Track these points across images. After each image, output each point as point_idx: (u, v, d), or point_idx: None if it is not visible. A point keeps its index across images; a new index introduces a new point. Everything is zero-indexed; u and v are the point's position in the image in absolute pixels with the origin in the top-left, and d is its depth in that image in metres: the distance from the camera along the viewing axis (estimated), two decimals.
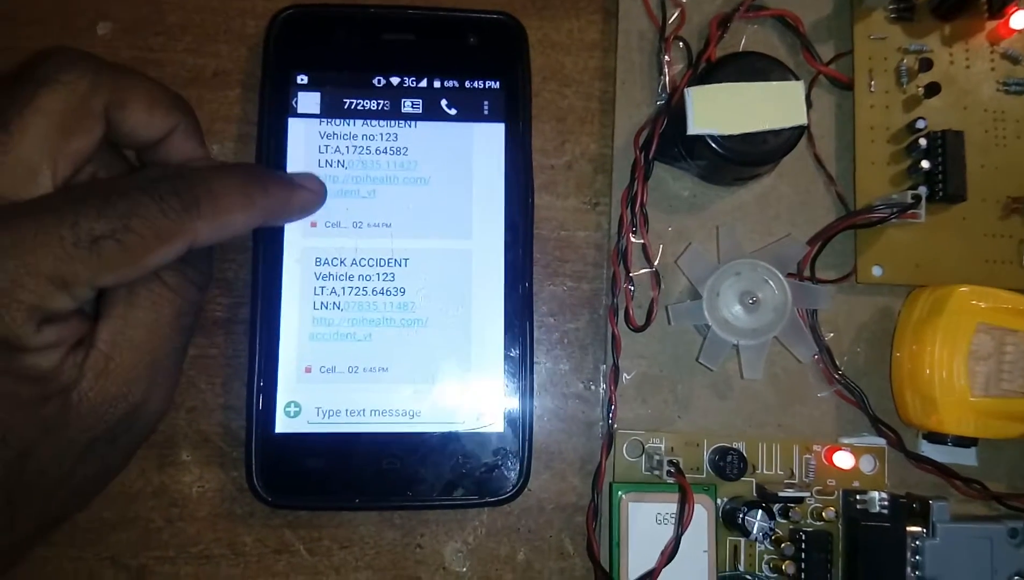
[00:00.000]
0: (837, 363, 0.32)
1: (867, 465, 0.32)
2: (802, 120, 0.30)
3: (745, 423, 0.32)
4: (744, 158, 0.31)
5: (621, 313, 0.32)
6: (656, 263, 0.33)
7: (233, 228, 0.25)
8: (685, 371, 0.33)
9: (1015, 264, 0.33)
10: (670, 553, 0.28)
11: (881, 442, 0.32)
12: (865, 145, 0.33)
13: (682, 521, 0.28)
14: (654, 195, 0.33)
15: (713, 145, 0.31)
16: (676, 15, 0.34)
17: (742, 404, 0.32)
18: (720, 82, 0.31)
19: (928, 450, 0.32)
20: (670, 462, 0.30)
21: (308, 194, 0.29)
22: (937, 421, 0.30)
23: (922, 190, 0.32)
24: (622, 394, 0.32)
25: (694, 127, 0.30)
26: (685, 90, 0.31)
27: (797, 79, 0.31)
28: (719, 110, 0.30)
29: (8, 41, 0.33)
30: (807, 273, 0.32)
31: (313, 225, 0.32)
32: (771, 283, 0.31)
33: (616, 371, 0.32)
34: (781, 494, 0.29)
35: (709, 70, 0.31)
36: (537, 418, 0.32)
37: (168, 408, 0.27)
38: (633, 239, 0.32)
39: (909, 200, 0.31)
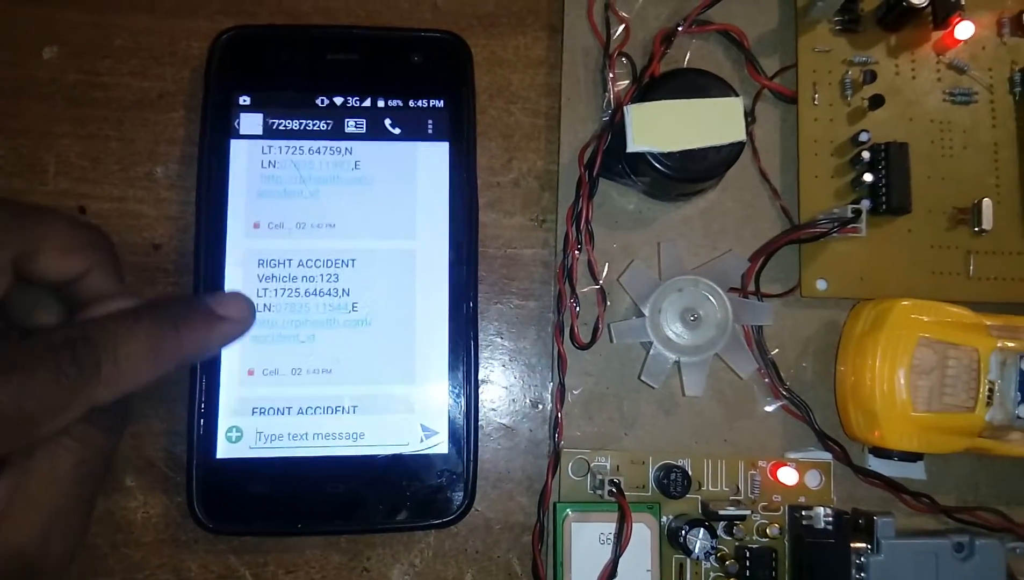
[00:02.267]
0: (783, 378, 0.32)
1: (813, 480, 0.32)
2: (741, 136, 0.30)
3: (691, 439, 0.32)
4: (685, 175, 0.31)
5: (567, 331, 0.32)
6: (602, 280, 0.32)
7: (137, 383, 0.24)
8: (631, 388, 0.32)
9: (962, 275, 0.33)
10: (608, 575, 0.28)
11: (827, 457, 0.32)
12: (809, 158, 0.33)
13: (620, 542, 0.28)
14: (599, 212, 0.33)
15: (654, 162, 0.30)
16: (621, 31, 0.34)
17: (688, 420, 0.32)
18: (661, 99, 0.31)
19: (876, 464, 0.32)
20: (611, 482, 0.30)
21: (229, 326, 0.27)
22: (879, 436, 0.30)
23: (865, 204, 0.32)
24: (568, 412, 0.32)
25: (634, 145, 0.30)
26: (625, 108, 0.31)
27: (736, 95, 0.31)
28: (659, 127, 0.30)
29: None
30: (751, 288, 0.32)
31: (256, 226, 0.31)
32: (712, 300, 0.31)
33: (562, 390, 0.32)
34: (723, 512, 0.29)
35: (650, 87, 0.31)
36: (484, 437, 0.32)
37: (69, 564, 0.25)
38: (579, 256, 0.32)
39: (850, 214, 0.31)
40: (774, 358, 0.32)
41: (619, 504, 0.29)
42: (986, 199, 0.33)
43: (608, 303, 0.32)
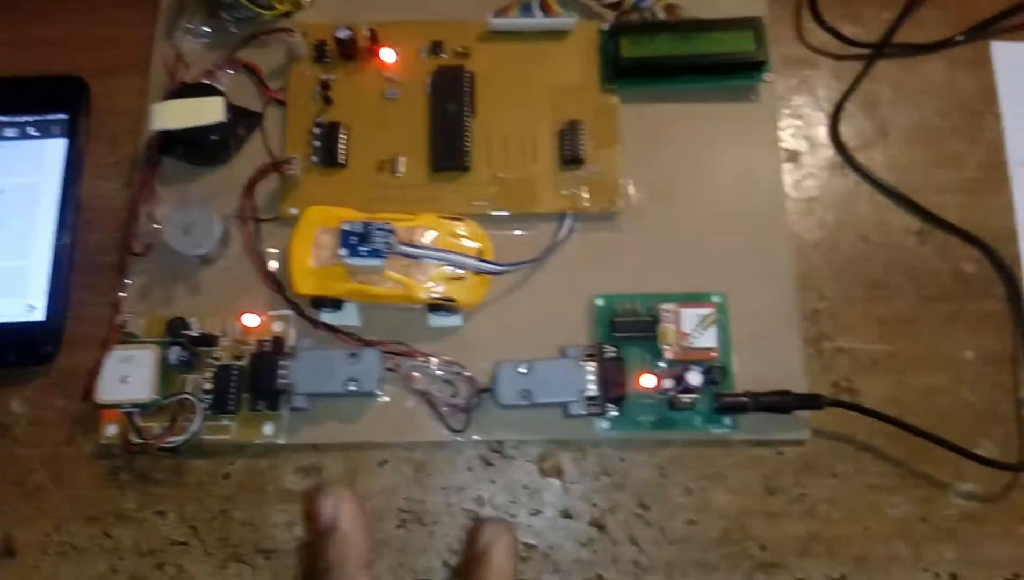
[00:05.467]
0: (271, 270, 0.51)
1: (279, 326, 0.50)
2: (220, 118, 0.50)
3: (195, 310, 0.51)
4: (192, 143, 0.51)
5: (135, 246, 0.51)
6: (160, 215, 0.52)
7: None
8: (184, 280, 0.51)
9: (384, 201, 0.52)
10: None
11: (289, 312, 0.50)
12: (294, 136, 0.53)
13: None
14: (163, 177, 0.53)
15: (173, 137, 0.50)
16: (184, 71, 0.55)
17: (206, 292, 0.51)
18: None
19: (324, 317, 0.50)
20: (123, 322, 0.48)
21: None
22: (300, 285, 0.48)
23: (314, 159, 0.52)
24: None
25: (155, 126, 0.50)
26: (151, 106, 0.51)
27: (221, 95, 0.51)
28: (174, 116, 0.51)
29: None
30: (250, 213, 0.51)
31: None
32: (207, 216, 0.50)
33: (123, 282, 0.50)
34: (187, 333, 0.47)
35: (176, 94, 0.52)
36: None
37: None
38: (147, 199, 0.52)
39: (286, 158, 0.50)
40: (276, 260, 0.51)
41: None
42: (401, 156, 0.52)
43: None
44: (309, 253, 0.48)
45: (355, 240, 0.46)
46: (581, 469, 0.49)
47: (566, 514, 0.48)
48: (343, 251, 0.46)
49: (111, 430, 0.48)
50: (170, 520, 0.48)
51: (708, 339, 0.48)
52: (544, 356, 0.48)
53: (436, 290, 0.48)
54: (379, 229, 0.46)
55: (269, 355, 0.48)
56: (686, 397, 0.47)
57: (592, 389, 0.47)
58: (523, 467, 0.49)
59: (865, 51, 0.56)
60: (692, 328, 0.48)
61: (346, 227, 0.46)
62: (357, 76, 0.54)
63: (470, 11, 0.56)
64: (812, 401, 0.47)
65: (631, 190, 0.53)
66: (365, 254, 0.45)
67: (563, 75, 0.54)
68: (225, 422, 0.48)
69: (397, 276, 0.47)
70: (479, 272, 0.48)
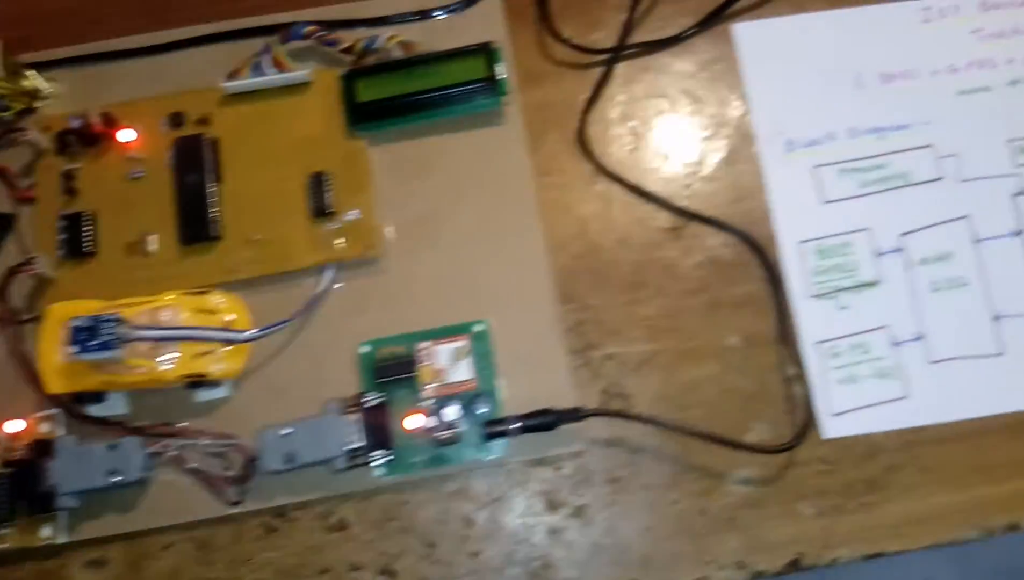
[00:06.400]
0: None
1: (47, 427, 0.49)
2: None
3: None
4: None
5: None
6: None
7: None
8: None
9: (138, 282, 0.52)
10: None
11: (57, 411, 0.50)
12: (42, 232, 0.53)
13: None
14: None
15: None
16: None
17: None
18: None
19: (92, 410, 0.50)
20: None
21: None
22: (51, 387, 0.48)
23: (59, 253, 0.51)
24: None
25: None
26: None
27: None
28: None
29: None
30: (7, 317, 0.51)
31: None
32: None
33: None
34: None
35: None
36: None
37: None
38: None
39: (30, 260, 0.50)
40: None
41: None
42: (151, 235, 0.52)
43: None
44: (56, 352, 0.48)
45: (84, 336, 0.46)
46: (366, 519, 0.49)
47: (355, 567, 0.48)
48: (72, 349, 0.46)
49: None
50: None
51: (464, 371, 0.49)
52: (318, 412, 0.49)
53: (183, 369, 0.48)
54: (105, 321, 0.46)
55: (30, 459, 0.48)
56: (448, 433, 0.47)
57: (356, 440, 0.47)
58: (308, 527, 0.49)
59: (604, 56, 0.57)
60: (448, 363, 0.49)
61: (73, 325, 0.46)
62: (102, 161, 0.54)
63: (208, 77, 0.55)
64: (572, 415, 0.48)
65: (390, 232, 0.53)
66: (95, 348, 0.45)
67: (307, 127, 0.55)
68: (4, 531, 0.48)
69: (140, 361, 0.47)
70: (227, 343, 0.48)
